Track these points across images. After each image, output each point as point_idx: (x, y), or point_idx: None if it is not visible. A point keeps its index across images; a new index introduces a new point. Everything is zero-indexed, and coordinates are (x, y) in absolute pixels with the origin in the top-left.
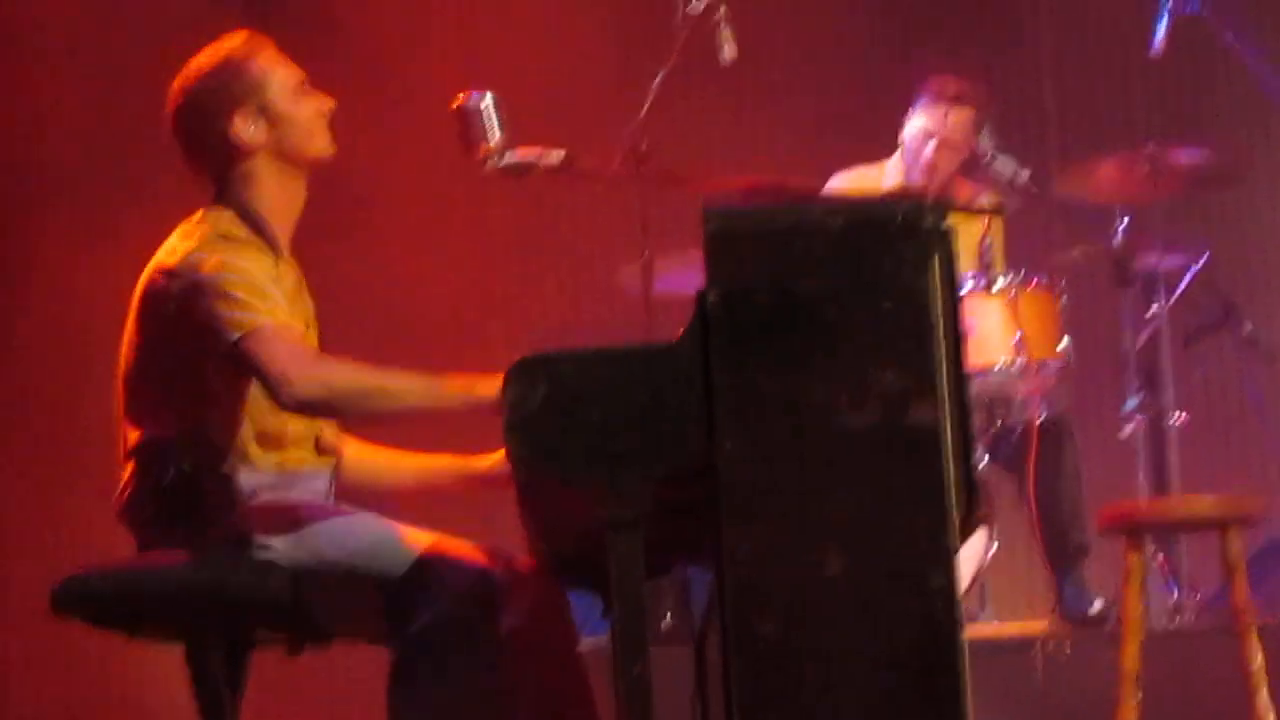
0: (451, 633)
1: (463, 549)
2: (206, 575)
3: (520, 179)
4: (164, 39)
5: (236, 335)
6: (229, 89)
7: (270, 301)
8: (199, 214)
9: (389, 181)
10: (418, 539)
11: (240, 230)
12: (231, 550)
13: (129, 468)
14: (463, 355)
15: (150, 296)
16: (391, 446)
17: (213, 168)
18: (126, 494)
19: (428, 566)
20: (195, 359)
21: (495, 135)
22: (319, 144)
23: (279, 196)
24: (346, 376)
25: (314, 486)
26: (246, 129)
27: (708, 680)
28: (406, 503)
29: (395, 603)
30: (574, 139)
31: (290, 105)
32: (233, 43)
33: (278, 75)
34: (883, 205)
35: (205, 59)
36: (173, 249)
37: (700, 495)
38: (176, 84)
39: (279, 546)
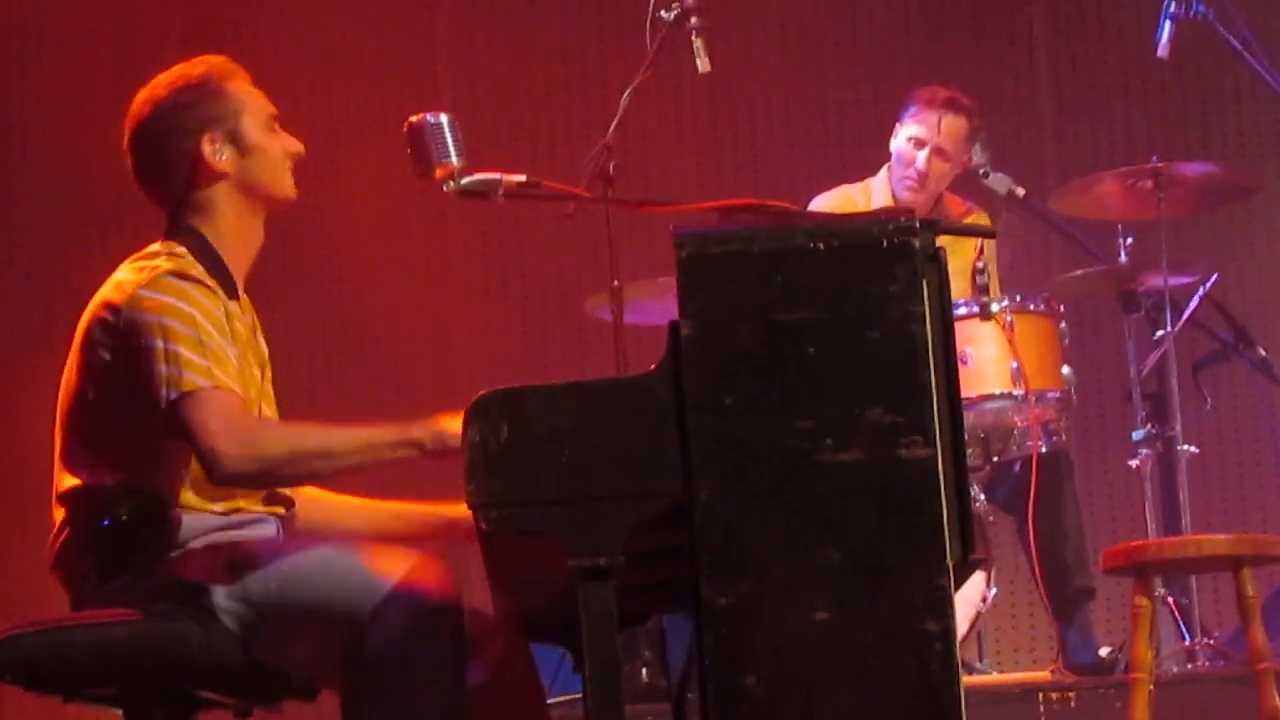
0: (408, 660)
1: (432, 572)
2: (147, 633)
3: (480, 201)
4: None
5: (173, 395)
6: (201, 109)
7: (213, 358)
8: (155, 246)
9: (344, 210)
10: (387, 564)
11: (194, 269)
12: (174, 601)
13: (61, 515)
14: (422, 390)
15: (93, 332)
16: (350, 493)
17: (170, 191)
18: (59, 544)
19: (381, 601)
20: (136, 409)
21: (453, 156)
22: (283, 184)
23: (238, 232)
24: (280, 445)
25: (262, 532)
26: (214, 154)
27: None
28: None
29: (347, 634)
30: (537, 162)
31: (262, 138)
32: (208, 64)
33: (252, 105)
34: (869, 226)
35: (177, 75)
36: (120, 284)
37: (676, 540)
38: (143, 96)
39: (223, 587)
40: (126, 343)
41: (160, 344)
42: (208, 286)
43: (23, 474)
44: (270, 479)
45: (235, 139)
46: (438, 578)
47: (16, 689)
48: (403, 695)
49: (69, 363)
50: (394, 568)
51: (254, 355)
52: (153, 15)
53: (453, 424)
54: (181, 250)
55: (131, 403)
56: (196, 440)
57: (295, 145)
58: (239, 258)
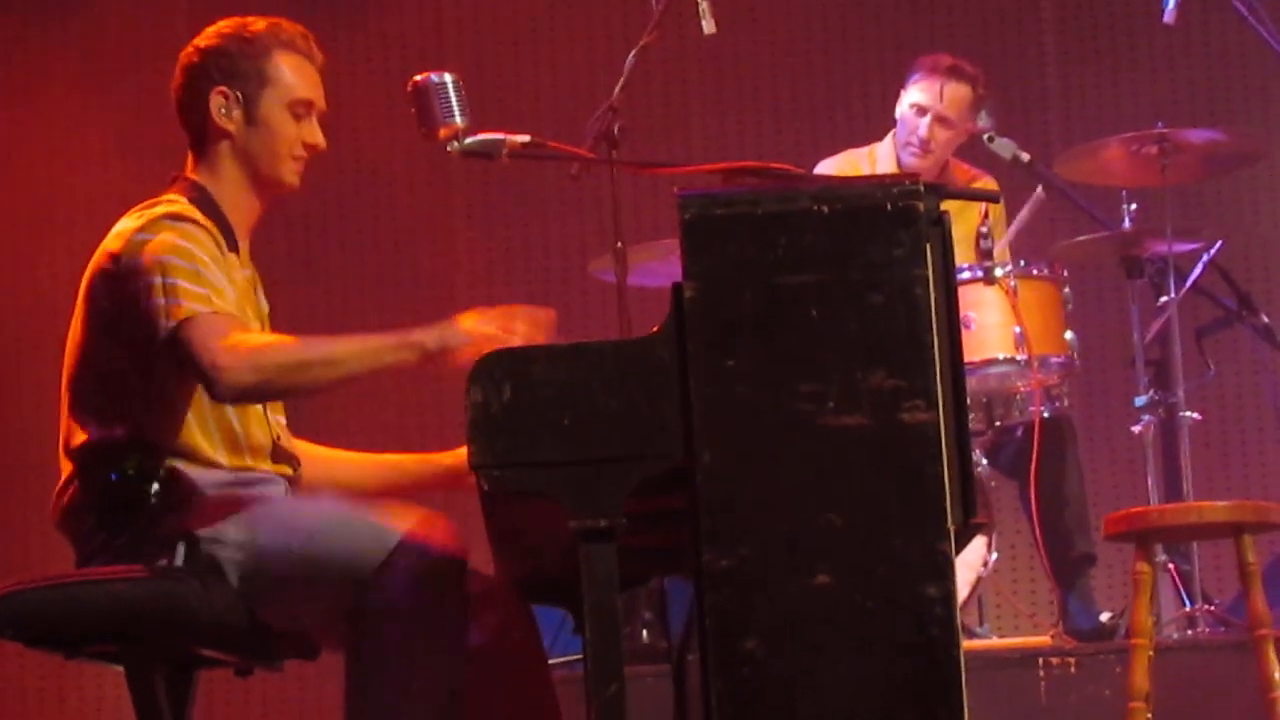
0: (414, 614)
1: (439, 529)
2: (149, 590)
3: (484, 162)
4: None
5: (172, 324)
6: (231, 62)
7: (210, 288)
8: (160, 197)
9: (347, 172)
10: (394, 520)
11: (192, 212)
12: (180, 556)
13: (68, 471)
14: None
15: (95, 282)
16: (349, 448)
17: (188, 129)
18: (65, 500)
19: (385, 555)
20: (140, 351)
21: (457, 116)
22: (284, 170)
23: (237, 193)
24: (279, 354)
25: (270, 492)
26: (219, 109)
27: (688, 702)
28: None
29: (349, 590)
30: (541, 123)
31: (275, 115)
32: (278, 27)
33: (284, 83)
34: (873, 190)
35: (240, 22)
36: (120, 232)
37: (677, 502)
38: (209, 28)
39: (231, 538)
40: (126, 286)
41: (159, 279)
42: (204, 227)
43: (24, 436)
44: (271, 389)
45: (247, 104)
46: (444, 534)
47: (17, 646)
48: (406, 651)
49: (74, 319)
50: (400, 523)
51: (253, 310)
52: None
53: (458, 322)
54: (183, 200)
55: (135, 347)
56: (197, 360)
57: (313, 138)
58: (240, 218)
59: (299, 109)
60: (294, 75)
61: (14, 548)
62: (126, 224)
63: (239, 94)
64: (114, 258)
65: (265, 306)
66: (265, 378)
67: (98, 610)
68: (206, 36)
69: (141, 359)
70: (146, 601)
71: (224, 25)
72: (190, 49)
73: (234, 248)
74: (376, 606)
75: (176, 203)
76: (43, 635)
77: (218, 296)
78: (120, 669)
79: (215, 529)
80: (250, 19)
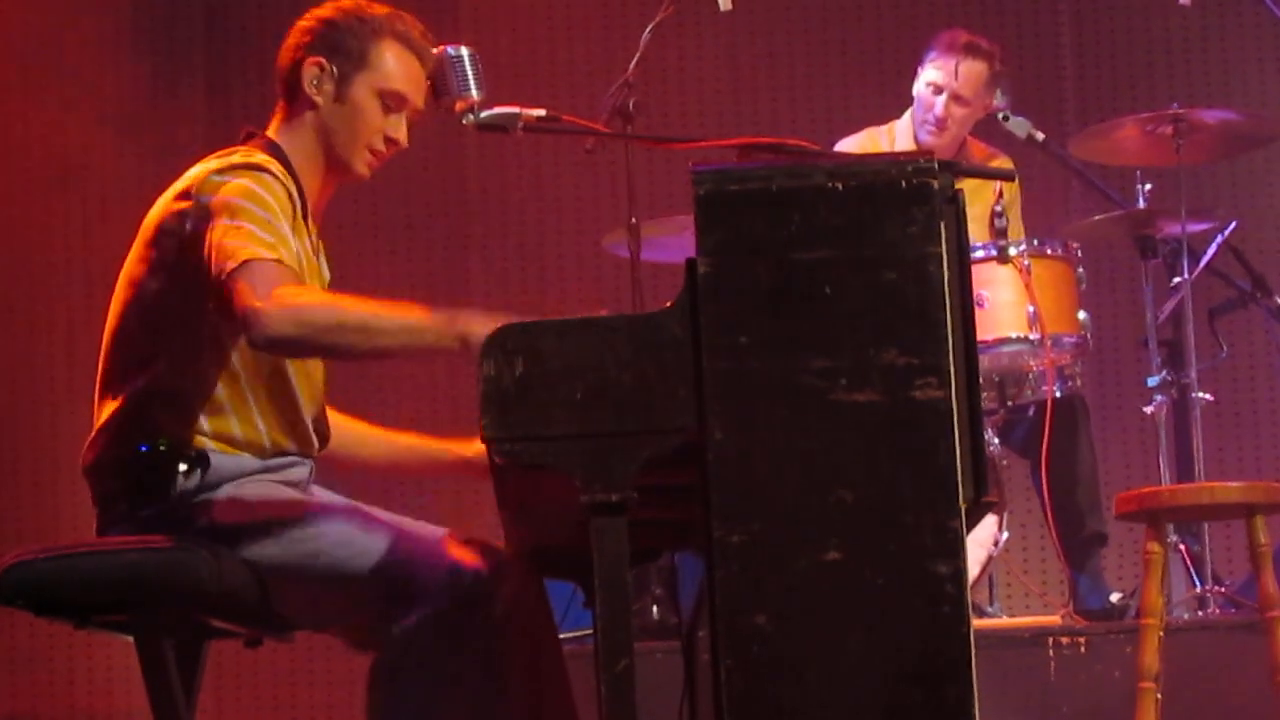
0: (438, 636)
1: (441, 543)
2: (158, 560)
3: (499, 135)
4: None
5: (231, 265)
6: (338, 36)
7: (276, 237)
8: (235, 147)
9: None
10: (394, 535)
11: (272, 164)
12: (193, 539)
13: (100, 424)
14: None
15: (164, 223)
16: (370, 422)
17: (279, 84)
18: (94, 455)
19: (407, 567)
20: (195, 294)
21: (473, 89)
22: (357, 157)
23: (310, 169)
24: (323, 312)
25: (294, 475)
26: (312, 79)
27: (697, 678)
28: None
29: (375, 604)
30: (556, 97)
31: (365, 100)
32: (395, 16)
33: (382, 71)
34: (887, 167)
35: (364, 2)
36: (193, 175)
37: (689, 478)
38: (322, 6)
39: (253, 552)
40: (193, 224)
41: (226, 220)
42: (280, 181)
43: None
44: (307, 346)
45: (340, 81)
46: (467, 552)
47: (27, 615)
48: (435, 675)
49: (127, 263)
50: (419, 540)
51: (314, 274)
52: None
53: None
54: (258, 152)
55: (191, 291)
56: (242, 303)
57: (396, 131)
58: (310, 185)
59: (390, 99)
60: (395, 65)
61: (44, 514)
62: (201, 168)
63: (335, 69)
64: (185, 195)
65: (327, 274)
66: (303, 334)
67: (108, 579)
68: (326, 8)
69: (195, 303)
70: (157, 571)
71: (346, 1)
72: (308, 16)
73: (304, 213)
74: (401, 628)
75: (254, 154)
76: (52, 604)
77: (283, 246)
78: (130, 638)
79: (233, 535)
80: (374, 3)
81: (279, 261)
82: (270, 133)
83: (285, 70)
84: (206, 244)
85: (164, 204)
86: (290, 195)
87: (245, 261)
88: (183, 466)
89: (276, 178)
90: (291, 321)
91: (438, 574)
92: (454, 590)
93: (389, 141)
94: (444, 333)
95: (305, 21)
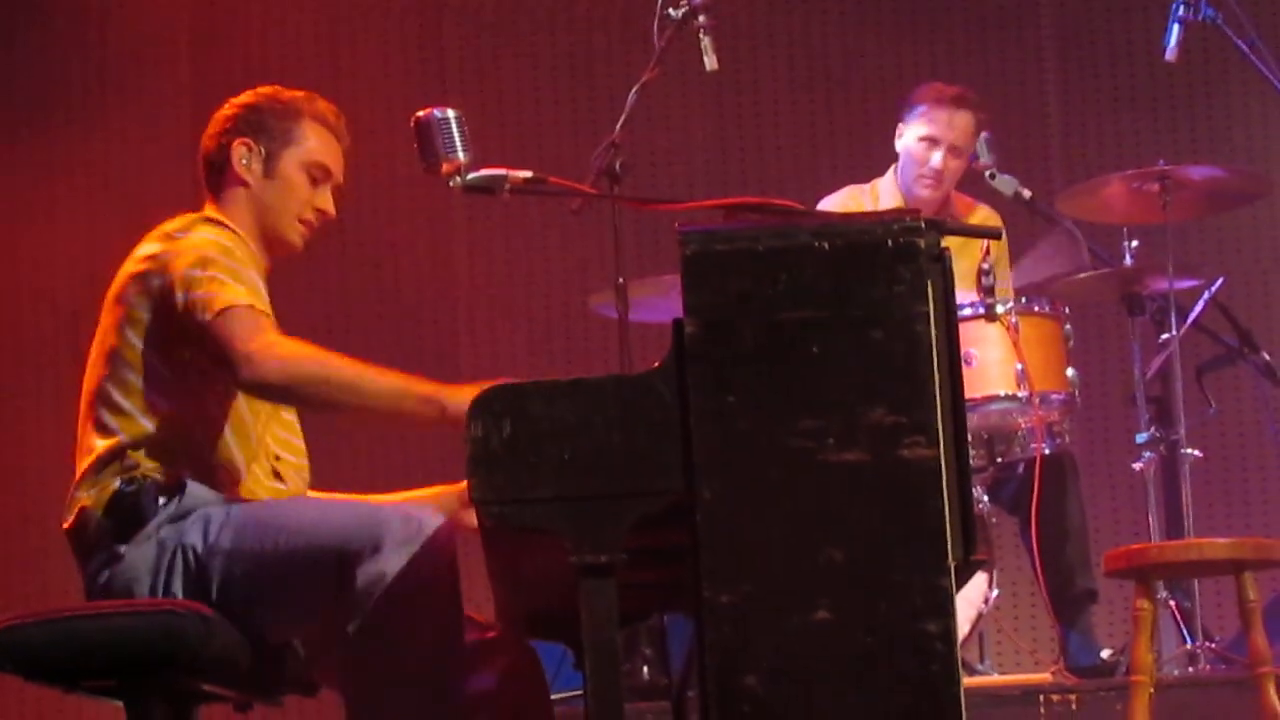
0: (413, 683)
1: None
2: (148, 625)
3: (486, 197)
4: None
5: (211, 314)
6: (260, 117)
7: (251, 289)
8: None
9: (349, 205)
10: (381, 506)
11: (227, 222)
12: (177, 572)
13: (78, 480)
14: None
15: (129, 284)
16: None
17: (207, 171)
18: (74, 512)
19: (375, 515)
20: (174, 349)
21: (459, 151)
22: (290, 229)
23: (251, 238)
24: (311, 364)
25: None
26: (241, 158)
27: None
28: None
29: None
30: (543, 159)
31: (294, 174)
32: (313, 101)
33: (306, 147)
34: (874, 226)
35: (278, 89)
36: (154, 236)
37: (678, 539)
38: (240, 95)
39: (222, 547)
40: (163, 282)
41: (199, 272)
42: (239, 238)
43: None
44: (292, 395)
45: (268, 159)
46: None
47: (17, 680)
48: (398, 631)
49: (98, 331)
50: (387, 509)
51: None
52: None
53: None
54: (211, 224)
55: (168, 347)
56: (231, 346)
57: (324, 203)
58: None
59: (315, 171)
60: (317, 141)
61: (29, 578)
62: (157, 232)
63: (262, 148)
64: (152, 257)
65: None
66: (291, 382)
67: (97, 645)
68: (244, 95)
69: (173, 358)
70: (146, 636)
71: (263, 89)
72: (228, 105)
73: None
74: (364, 588)
75: (208, 223)
76: (42, 669)
77: (255, 293)
78: (120, 704)
79: (207, 540)
80: (284, 88)
81: (252, 307)
82: (210, 214)
83: (211, 153)
84: (181, 299)
85: (126, 270)
86: (249, 250)
87: (224, 309)
88: (162, 500)
89: (235, 233)
90: (279, 369)
91: (423, 621)
92: (436, 644)
93: (318, 212)
94: (423, 399)
95: (226, 110)
